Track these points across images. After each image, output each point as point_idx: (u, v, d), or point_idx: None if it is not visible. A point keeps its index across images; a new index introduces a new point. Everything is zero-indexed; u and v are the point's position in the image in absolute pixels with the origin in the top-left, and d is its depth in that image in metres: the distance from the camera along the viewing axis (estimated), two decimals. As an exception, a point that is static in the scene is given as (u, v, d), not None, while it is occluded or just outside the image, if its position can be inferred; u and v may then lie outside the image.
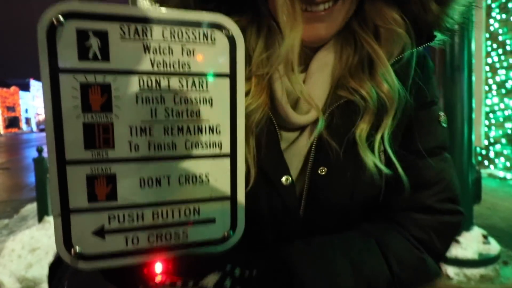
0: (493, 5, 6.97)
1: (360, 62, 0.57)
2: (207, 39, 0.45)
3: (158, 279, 0.47)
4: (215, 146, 0.48)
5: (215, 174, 0.49)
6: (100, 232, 0.45)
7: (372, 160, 0.56)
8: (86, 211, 0.44)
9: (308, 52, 0.60)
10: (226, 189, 0.49)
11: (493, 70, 7.06)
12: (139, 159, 0.45)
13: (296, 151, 0.60)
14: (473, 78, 3.20)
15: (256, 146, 0.57)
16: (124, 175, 0.45)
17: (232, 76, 0.47)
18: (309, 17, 0.54)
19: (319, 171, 0.57)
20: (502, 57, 6.82)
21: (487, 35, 7.11)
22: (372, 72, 0.55)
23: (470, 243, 2.96)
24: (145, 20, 0.43)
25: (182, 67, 0.45)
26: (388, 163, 0.58)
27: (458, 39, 3.00)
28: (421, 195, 0.60)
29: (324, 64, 0.58)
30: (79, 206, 0.44)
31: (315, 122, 0.58)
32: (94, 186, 0.44)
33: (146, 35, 0.43)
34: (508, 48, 6.71)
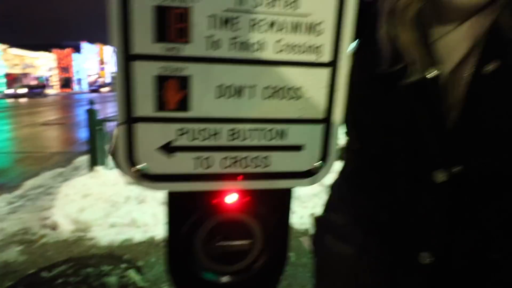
0: None
1: None
2: None
3: (227, 214, 0.39)
4: (314, 51, 0.37)
5: (310, 88, 0.38)
6: (167, 148, 0.38)
7: None
8: (153, 120, 0.36)
9: None
10: (321, 109, 0.39)
11: None
12: (219, 59, 0.36)
13: (454, 43, 0.46)
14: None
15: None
16: (200, 79, 0.36)
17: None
18: None
19: (485, 69, 0.43)
20: None
21: None
22: None
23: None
24: None
25: None
26: None
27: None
28: None
29: None
30: (145, 115, 0.36)
31: (483, 8, 0.44)
32: (164, 91, 0.36)
33: None
34: None
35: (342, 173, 0.62)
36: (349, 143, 0.58)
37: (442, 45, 0.47)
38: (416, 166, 0.48)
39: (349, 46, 0.38)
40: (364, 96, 0.50)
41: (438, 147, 0.46)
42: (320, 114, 0.39)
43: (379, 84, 0.48)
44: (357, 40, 0.56)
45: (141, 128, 0.36)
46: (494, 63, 0.42)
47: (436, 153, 0.47)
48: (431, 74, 0.45)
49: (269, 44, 0.36)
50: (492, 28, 0.43)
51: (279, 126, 0.39)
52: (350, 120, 0.41)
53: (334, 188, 0.64)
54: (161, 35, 0.34)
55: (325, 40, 0.37)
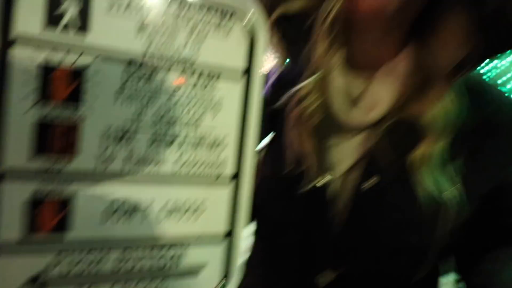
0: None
1: (430, 75, 0.47)
2: (220, 28, 0.36)
3: None
4: (216, 166, 0.37)
5: (211, 204, 0.37)
6: (36, 283, 0.30)
7: (436, 187, 0.45)
8: (19, 247, 0.30)
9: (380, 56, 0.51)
10: (223, 225, 0.37)
11: None
12: (110, 177, 0.32)
13: (344, 153, 0.51)
14: None
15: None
16: (85, 200, 0.32)
17: (248, 73, 0.37)
18: None
19: (364, 184, 0.48)
20: None
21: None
22: (437, 88, 0.46)
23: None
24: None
25: (185, 59, 0.35)
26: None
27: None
28: None
29: (394, 70, 0.49)
30: (9, 239, 0.29)
31: (370, 128, 0.50)
32: (39, 211, 0.30)
33: (142, 10, 0.32)
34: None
35: (250, 258, 0.61)
36: (256, 226, 0.58)
37: (335, 154, 0.52)
38: (303, 267, 0.49)
39: (253, 160, 0.38)
40: (266, 191, 0.51)
41: (323, 250, 0.49)
42: (222, 231, 0.37)
43: (280, 184, 0.50)
44: (268, 136, 0.58)
45: (2, 259, 0.29)
46: (373, 179, 0.47)
47: (321, 257, 0.49)
48: (321, 180, 0.49)
49: (168, 161, 0.35)
50: (376, 147, 0.49)
51: (175, 249, 0.35)
52: (253, 206, 0.40)
53: (244, 270, 0.61)
54: (40, 151, 0.30)
55: (228, 155, 0.37)
